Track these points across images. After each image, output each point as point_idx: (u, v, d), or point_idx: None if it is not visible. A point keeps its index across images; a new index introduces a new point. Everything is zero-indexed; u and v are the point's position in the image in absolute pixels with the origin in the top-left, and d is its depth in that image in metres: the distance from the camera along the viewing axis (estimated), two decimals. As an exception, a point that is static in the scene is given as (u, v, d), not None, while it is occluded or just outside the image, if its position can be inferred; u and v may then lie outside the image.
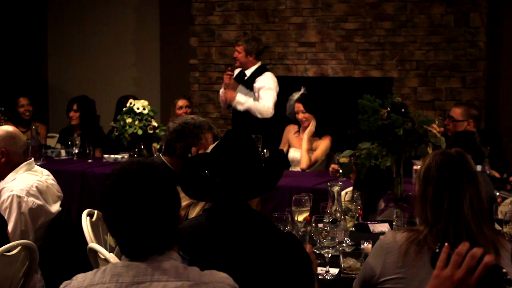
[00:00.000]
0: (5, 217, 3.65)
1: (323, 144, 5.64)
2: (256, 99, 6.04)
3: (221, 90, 6.31)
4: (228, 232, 2.29)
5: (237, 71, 6.28)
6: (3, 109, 6.58)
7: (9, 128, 3.99)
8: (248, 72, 6.21)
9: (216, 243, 2.26)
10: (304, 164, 5.53)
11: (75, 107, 6.69)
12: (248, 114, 6.13)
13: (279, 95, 6.17)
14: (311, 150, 5.66)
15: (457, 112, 5.52)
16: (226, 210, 2.33)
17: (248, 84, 6.15)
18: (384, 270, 2.47)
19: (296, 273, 2.28)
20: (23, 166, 3.87)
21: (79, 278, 1.96)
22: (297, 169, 5.69)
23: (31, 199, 3.74)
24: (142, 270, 1.89)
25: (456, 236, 2.40)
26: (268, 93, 6.00)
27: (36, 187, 3.81)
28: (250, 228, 2.30)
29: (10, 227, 3.66)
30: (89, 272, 1.97)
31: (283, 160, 2.55)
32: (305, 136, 5.57)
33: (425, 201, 2.48)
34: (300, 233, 3.32)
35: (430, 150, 3.37)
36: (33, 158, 4.06)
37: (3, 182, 3.84)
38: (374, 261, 2.52)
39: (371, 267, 2.52)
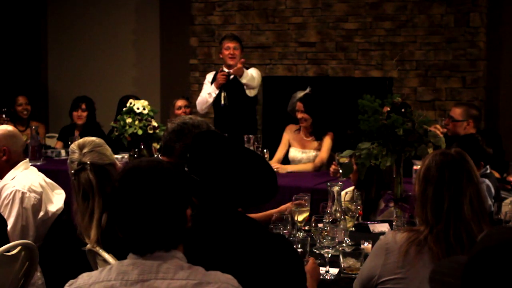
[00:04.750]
0: (7, 211, 3.71)
1: (325, 144, 5.66)
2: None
3: (211, 88, 6.27)
4: (216, 235, 2.25)
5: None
6: (5, 109, 6.60)
7: (8, 127, 4.07)
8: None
9: (204, 246, 2.22)
10: (318, 162, 5.59)
11: (83, 106, 6.76)
12: (232, 113, 6.15)
13: (280, 94, 6.19)
14: (314, 150, 5.69)
15: (457, 112, 5.51)
16: (213, 213, 2.30)
17: (235, 82, 6.15)
18: (384, 270, 2.47)
19: (286, 275, 2.23)
20: (21, 165, 3.94)
21: (85, 276, 1.98)
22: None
23: (33, 194, 3.79)
24: (147, 268, 1.91)
25: (457, 237, 2.41)
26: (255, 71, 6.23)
27: (39, 183, 3.86)
28: (238, 231, 2.26)
29: (11, 221, 3.69)
30: (95, 271, 1.99)
31: (273, 181, 2.42)
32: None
33: (425, 201, 2.47)
34: (301, 237, 3.31)
35: (430, 150, 3.37)
36: (28, 158, 4.10)
37: (3, 179, 3.88)
38: (374, 261, 2.52)
39: (371, 267, 2.52)
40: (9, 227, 3.64)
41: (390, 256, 2.46)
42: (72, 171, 3.19)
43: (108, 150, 3.30)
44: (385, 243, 2.49)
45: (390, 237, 2.50)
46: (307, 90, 5.83)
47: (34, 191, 3.81)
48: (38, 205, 3.81)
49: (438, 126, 5.33)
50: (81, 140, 3.30)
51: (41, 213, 3.84)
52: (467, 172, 2.48)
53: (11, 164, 3.90)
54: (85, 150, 3.21)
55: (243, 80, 6.08)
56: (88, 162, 3.16)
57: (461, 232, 2.41)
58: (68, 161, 3.28)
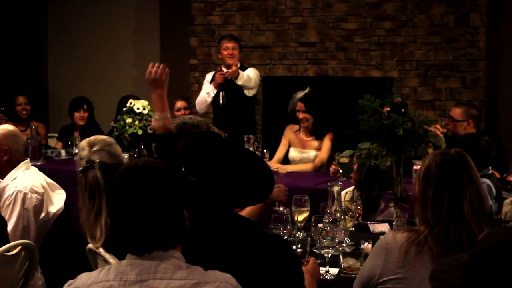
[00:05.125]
0: (8, 212, 3.69)
1: (325, 144, 5.66)
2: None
3: (210, 87, 6.27)
4: (212, 235, 2.25)
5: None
6: (3, 109, 6.60)
7: (9, 127, 4.05)
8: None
9: (201, 246, 2.22)
10: (318, 162, 5.59)
11: (85, 106, 6.79)
12: (231, 113, 6.15)
13: (280, 94, 6.19)
14: (314, 150, 5.69)
15: (457, 112, 5.51)
16: (210, 213, 2.30)
17: (234, 82, 6.17)
18: (384, 270, 2.47)
19: (283, 274, 2.22)
20: (22, 165, 3.91)
21: (84, 276, 1.98)
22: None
23: (34, 195, 3.77)
24: (145, 268, 1.91)
25: (457, 237, 2.41)
26: (253, 71, 6.25)
27: (40, 184, 3.84)
28: (234, 231, 2.26)
29: (12, 222, 3.67)
30: (94, 271, 2.00)
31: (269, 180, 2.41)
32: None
33: (425, 202, 2.47)
34: (301, 237, 3.31)
35: (430, 150, 3.37)
36: (29, 159, 4.09)
37: (5, 180, 3.86)
38: (374, 261, 2.52)
39: (371, 267, 2.52)
40: (10, 227, 3.63)
41: (390, 256, 2.46)
42: (80, 168, 3.17)
43: (118, 150, 3.28)
44: (385, 243, 2.50)
45: (390, 237, 2.50)
46: (307, 90, 5.83)
47: (36, 192, 3.79)
48: (39, 206, 3.80)
49: (438, 126, 5.32)
50: (92, 138, 3.29)
51: (42, 214, 3.82)
52: (467, 172, 2.48)
53: (12, 164, 3.88)
54: (95, 148, 3.19)
55: (239, 82, 6.09)
56: (97, 161, 3.14)
57: (461, 232, 2.41)
58: (77, 157, 3.26)
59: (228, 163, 2.30)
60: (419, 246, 2.42)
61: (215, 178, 2.27)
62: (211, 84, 6.24)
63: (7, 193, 3.77)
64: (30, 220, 3.74)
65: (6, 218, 3.63)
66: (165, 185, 1.95)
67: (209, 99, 6.24)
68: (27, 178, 3.85)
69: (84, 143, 3.24)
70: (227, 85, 6.16)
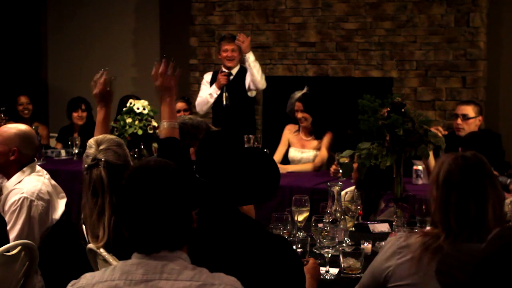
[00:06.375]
0: (13, 218, 3.63)
1: (325, 143, 5.67)
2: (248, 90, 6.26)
3: (212, 88, 6.27)
4: (217, 235, 2.26)
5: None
6: (4, 108, 6.60)
7: (23, 126, 3.93)
8: (234, 71, 6.29)
9: (205, 247, 2.23)
10: (318, 162, 5.60)
11: (83, 106, 6.79)
12: (231, 113, 6.16)
13: (280, 94, 6.19)
14: (314, 149, 5.70)
15: (469, 109, 5.53)
16: (214, 213, 2.30)
17: (236, 83, 6.16)
18: (395, 273, 2.42)
19: (286, 275, 2.23)
20: (28, 168, 3.83)
21: (88, 276, 1.99)
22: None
23: (40, 202, 3.70)
24: (151, 268, 1.91)
25: None
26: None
27: (47, 190, 3.79)
28: (238, 231, 2.27)
29: (17, 229, 3.62)
30: (98, 271, 2.01)
31: (276, 175, 2.43)
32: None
33: (448, 208, 2.35)
34: (301, 237, 3.31)
35: (431, 155, 3.37)
36: (36, 160, 4.03)
37: (10, 182, 3.79)
38: (386, 261, 2.45)
39: (381, 267, 2.46)
40: (14, 235, 3.59)
41: (403, 260, 2.40)
42: (85, 165, 3.16)
43: (125, 151, 3.25)
44: (397, 247, 2.43)
45: (403, 240, 2.43)
46: (305, 90, 5.84)
47: (42, 199, 3.72)
48: (44, 214, 3.72)
49: (440, 128, 5.34)
50: (100, 136, 3.28)
51: (48, 223, 3.77)
52: (489, 176, 2.38)
53: (19, 165, 3.80)
54: (102, 147, 3.18)
55: (250, 59, 6.08)
56: (102, 159, 3.13)
57: (483, 241, 2.34)
58: (83, 155, 3.25)
59: (237, 161, 2.32)
60: (433, 253, 2.32)
61: (225, 176, 2.29)
62: (214, 85, 6.24)
63: (13, 198, 3.69)
64: (35, 228, 3.68)
65: (10, 225, 3.59)
66: (176, 186, 1.96)
67: (212, 100, 6.25)
68: (33, 183, 3.77)
69: (92, 141, 3.23)
70: (230, 86, 6.17)
